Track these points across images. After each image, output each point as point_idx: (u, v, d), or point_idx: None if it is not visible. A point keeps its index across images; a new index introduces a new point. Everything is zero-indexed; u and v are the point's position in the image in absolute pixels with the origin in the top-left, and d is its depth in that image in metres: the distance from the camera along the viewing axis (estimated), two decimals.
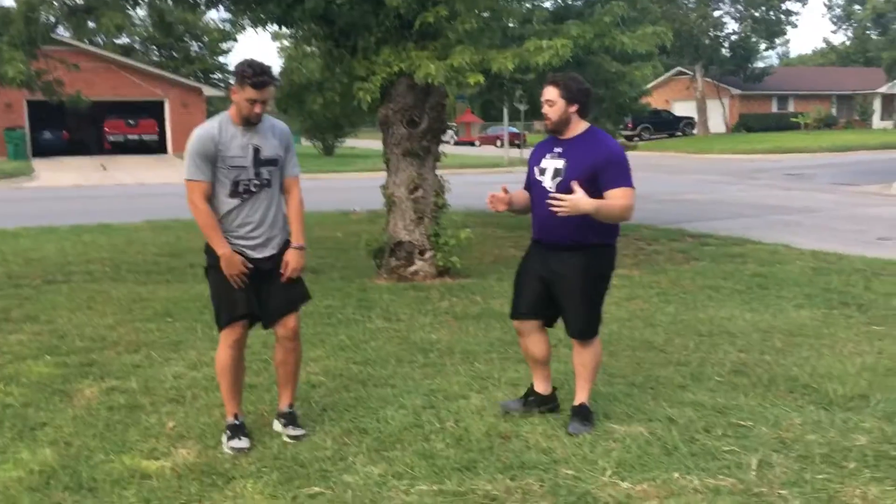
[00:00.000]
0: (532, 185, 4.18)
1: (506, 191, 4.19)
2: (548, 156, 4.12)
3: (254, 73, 3.80)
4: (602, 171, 3.94)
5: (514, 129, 38.39)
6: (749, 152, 33.33)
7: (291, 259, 4.03)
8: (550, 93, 4.05)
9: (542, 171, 4.11)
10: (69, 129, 35.27)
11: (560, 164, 4.04)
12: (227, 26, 44.77)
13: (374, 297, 7.44)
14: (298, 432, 4.11)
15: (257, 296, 4.04)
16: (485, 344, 5.87)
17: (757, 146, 34.99)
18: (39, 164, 29.13)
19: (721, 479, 3.62)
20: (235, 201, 3.93)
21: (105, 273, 8.91)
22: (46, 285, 8.21)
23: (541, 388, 4.42)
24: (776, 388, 4.83)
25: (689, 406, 4.51)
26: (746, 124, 48.40)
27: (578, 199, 3.87)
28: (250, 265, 3.95)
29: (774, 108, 51.89)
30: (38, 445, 4.04)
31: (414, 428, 4.22)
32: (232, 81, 3.94)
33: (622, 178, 3.96)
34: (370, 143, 40.86)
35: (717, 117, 49.56)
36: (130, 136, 35.46)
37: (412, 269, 8.27)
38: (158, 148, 35.48)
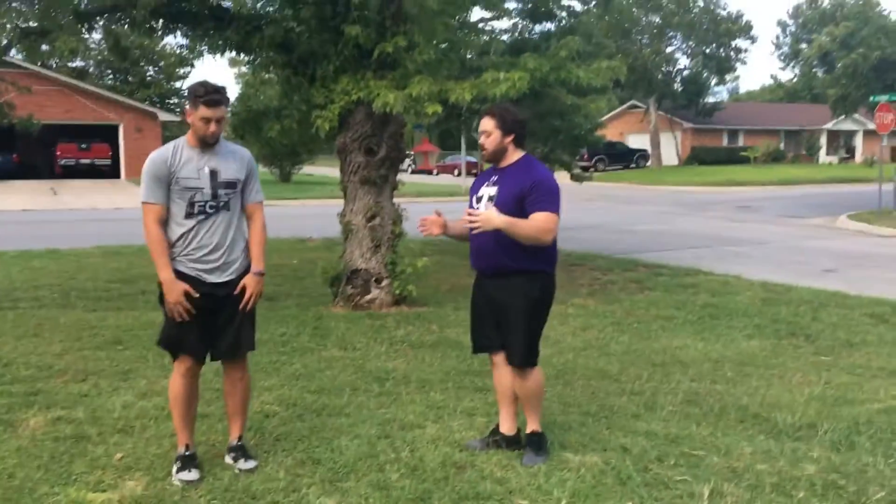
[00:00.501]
0: None
1: (439, 214, 4.23)
2: (486, 184, 4.22)
3: (206, 92, 3.82)
4: (527, 195, 4.00)
5: (472, 159, 38.65)
6: (701, 184, 34.03)
7: (250, 285, 3.99)
8: (486, 124, 4.14)
9: (479, 199, 4.20)
10: (20, 152, 34.60)
11: (493, 191, 4.13)
12: (185, 52, 44.48)
13: (330, 326, 7.39)
14: (249, 465, 4.05)
15: (210, 327, 3.99)
16: (440, 373, 5.86)
17: (708, 179, 35.75)
18: None
19: None
20: (191, 222, 3.89)
21: (54, 299, 8.71)
22: None
23: (506, 427, 4.37)
24: (727, 418, 4.90)
25: (643, 435, 4.55)
26: (698, 157, 49.43)
27: (490, 214, 3.96)
28: (196, 295, 3.88)
29: (725, 142, 53.13)
30: None
31: (368, 458, 4.19)
32: (187, 105, 3.93)
33: (545, 202, 3.99)
34: (327, 170, 40.75)
35: (670, 150, 50.54)
36: (82, 160, 34.90)
37: (368, 297, 8.24)
38: (111, 172, 34.96)
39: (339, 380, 5.65)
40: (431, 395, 5.29)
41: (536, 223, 3.97)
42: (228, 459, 4.12)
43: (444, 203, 26.58)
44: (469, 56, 10.23)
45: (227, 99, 3.92)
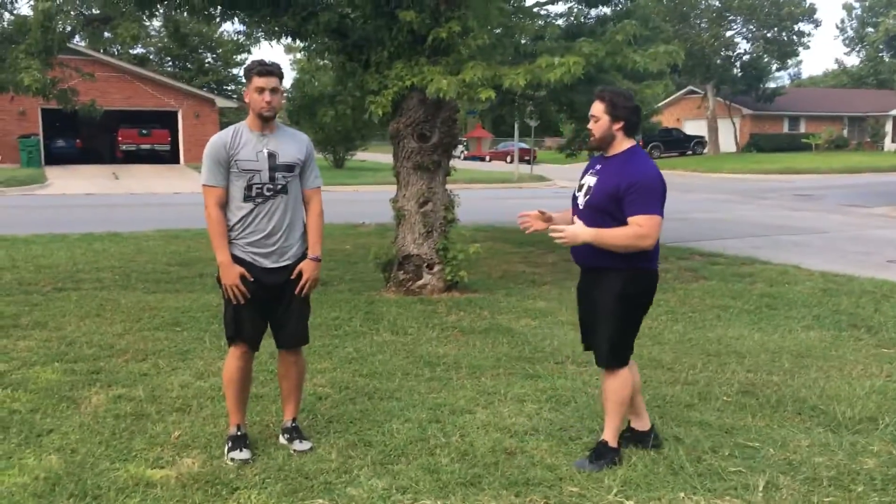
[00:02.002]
0: (572, 201, 4.08)
1: (542, 212, 4.05)
2: (590, 172, 4.02)
3: (258, 64, 3.92)
4: (625, 196, 3.77)
5: (525, 145, 38.48)
6: (759, 172, 33.30)
7: (306, 270, 4.04)
8: (596, 108, 3.93)
9: (581, 188, 4.01)
10: (82, 137, 35.53)
11: (593, 181, 3.94)
12: (242, 38, 45.10)
13: (382, 310, 7.45)
14: (305, 447, 4.11)
15: (270, 314, 4.06)
16: (491, 359, 5.86)
17: (767, 166, 34.97)
18: (52, 172, 29.31)
19: (727, 499, 3.60)
20: (249, 205, 3.94)
21: (115, 281, 8.95)
22: (56, 292, 8.24)
23: (636, 423, 4.19)
24: (784, 410, 4.81)
25: (696, 425, 4.49)
26: (757, 144, 48.36)
27: (576, 230, 3.80)
28: (251, 279, 3.94)
29: (786, 129, 51.84)
30: (44, 452, 4.05)
31: (419, 442, 4.22)
32: (245, 88, 4.02)
33: (643, 205, 3.73)
34: (380, 156, 40.97)
35: (728, 137, 49.53)
36: (143, 146, 35.67)
37: (420, 282, 8.28)
38: (171, 158, 35.71)
39: (391, 364, 5.70)
40: (482, 381, 5.30)
41: (629, 230, 3.74)
42: (283, 440, 4.19)
43: (496, 189, 26.52)
44: (523, 41, 10.16)
45: (280, 72, 3.97)
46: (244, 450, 4.01)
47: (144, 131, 35.65)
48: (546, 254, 11.21)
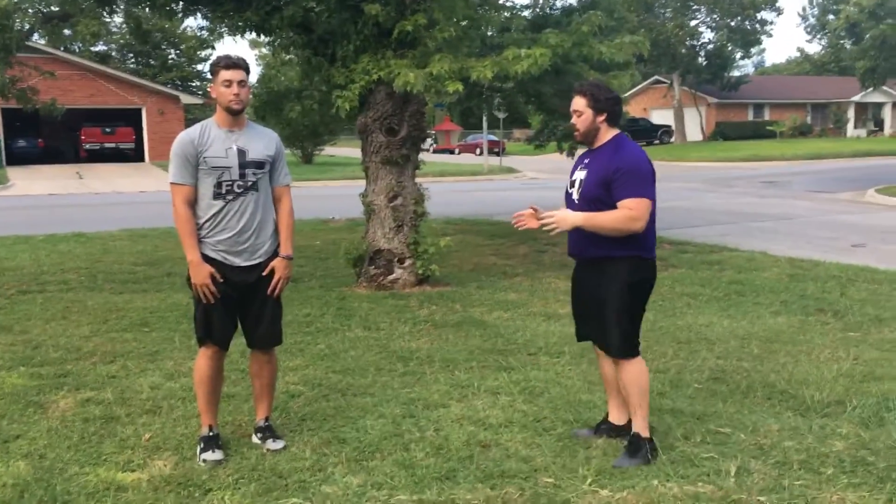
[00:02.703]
0: (566, 197, 4.09)
1: (535, 209, 4.00)
2: (579, 167, 4.04)
3: (224, 58, 3.89)
4: (613, 181, 3.80)
5: (494, 137, 38.53)
6: (725, 160, 33.68)
7: (278, 268, 3.99)
8: (578, 103, 3.94)
9: (573, 184, 4.02)
10: (45, 137, 34.96)
11: (584, 174, 3.96)
12: (205, 34, 44.63)
13: (354, 306, 7.42)
14: (278, 445, 4.08)
15: (241, 313, 4.03)
16: (464, 352, 5.86)
17: (733, 154, 35.37)
18: (14, 173, 28.81)
19: (700, 485, 3.63)
20: (219, 203, 3.88)
21: (81, 282, 8.81)
22: (21, 295, 8.09)
23: (614, 416, 4.22)
24: (754, 395, 4.86)
25: (668, 413, 4.52)
26: (723, 132, 48.88)
27: (565, 214, 3.83)
28: (221, 279, 3.89)
29: (750, 117, 52.45)
30: (12, 458, 3.97)
31: (393, 437, 4.20)
32: (210, 85, 3.96)
33: (632, 188, 3.76)
34: (349, 151, 40.79)
35: (695, 125, 50.00)
36: (107, 145, 35.18)
37: (391, 277, 8.25)
38: (135, 156, 35.24)
39: (364, 360, 5.68)
40: (455, 375, 5.30)
41: (620, 213, 3.76)
42: (256, 439, 4.15)
43: (466, 182, 26.54)
44: (490, 33, 10.14)
45: (247, 66, 3.93)
46: (216, 450, 3.96)
47: (108, 129, 35.16)
48: (517, 245, 11.23)
